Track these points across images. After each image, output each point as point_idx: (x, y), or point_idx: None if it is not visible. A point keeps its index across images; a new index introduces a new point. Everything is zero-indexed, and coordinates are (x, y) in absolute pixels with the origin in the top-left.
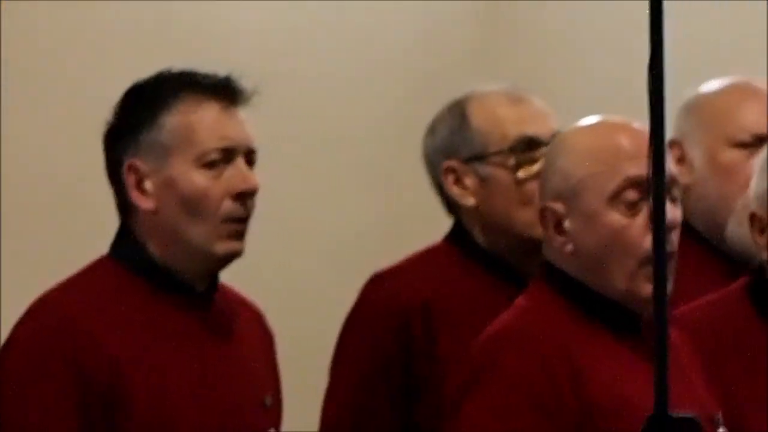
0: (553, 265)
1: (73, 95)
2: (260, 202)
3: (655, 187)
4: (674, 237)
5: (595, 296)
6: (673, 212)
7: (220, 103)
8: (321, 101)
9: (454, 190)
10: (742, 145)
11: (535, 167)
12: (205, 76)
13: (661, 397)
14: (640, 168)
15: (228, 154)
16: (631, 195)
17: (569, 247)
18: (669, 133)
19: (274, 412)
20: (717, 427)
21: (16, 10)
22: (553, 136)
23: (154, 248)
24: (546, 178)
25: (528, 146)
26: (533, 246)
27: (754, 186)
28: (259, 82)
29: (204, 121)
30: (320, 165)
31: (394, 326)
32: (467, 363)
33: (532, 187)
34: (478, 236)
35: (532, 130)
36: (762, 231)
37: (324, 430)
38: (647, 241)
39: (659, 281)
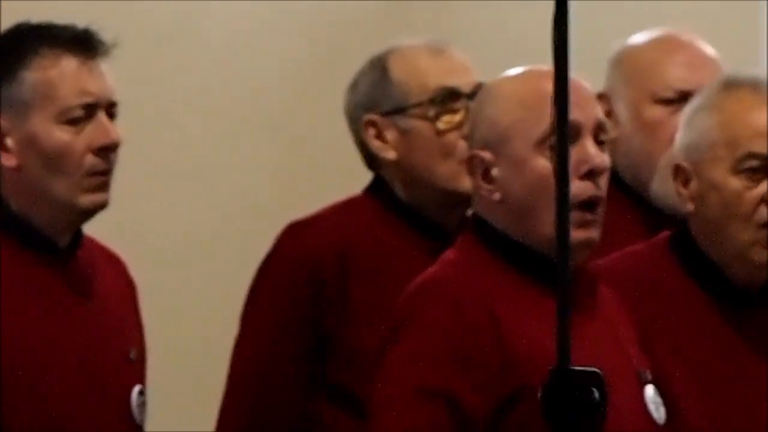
0: (480, 217)
1: None
2: (167, 154)
3: (559, 139)
4: (602, 182)
5: (522, 247)
6: (601, 157)
7: (79, 56)
8: (228, 54)
9: (375, 144)
10: (666, 102)
11: (456, 118)
12: (64, 29)
13: (563, 350)
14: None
15: (89, 110)
16: None
17: (497, 196)
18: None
19: (139, 366)
20: (644, 383)
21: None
22: (475, 87)
23: (17, 205)
24: (474, 126)
25: (448, 97)
26: (454, 199)
27: (680, 138)
28: (167, 35)
29: (63, 76)
30: (226, 118)
31: (306, 276)
32: (392, 315)
33: (453, 138)
34: (399, 190)
35: (452, 81)
36: (686, 183)
37: (232, 381)
38: (574, 186)
39: (562, 230)
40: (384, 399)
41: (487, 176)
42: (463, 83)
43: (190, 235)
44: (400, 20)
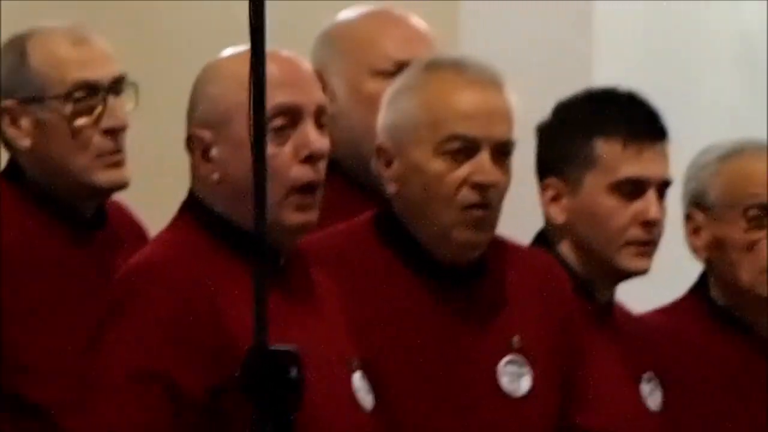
0: (196, 196)
1: None
2: None
3: (254, 117)
4: (321, 166)
5: (238, 229)
6: (321, 141)
7: None
8: None
9: (10, 131)
10: (385, 74)
11: (94, 112)
12: None
13: (260, 329)
14: (288, 95)
15: None
16: (278, 122)
17: (216, 176)
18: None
19: None
20: (353, 370)
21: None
22: (115, 79)
23: None
24: (193, 105)
25: (86, 91)
26: (89, 191)
27: (381, 118)
28: None
29: None
30: None
31: None
32: (109, 296)
33: (89, 132)
34: (36, 177)
35: (91, 74)
36: (388, 164)
37: None
38: (295, 170)
39: (259, 215)
40: (100, 384)
41: (206, 156)
42: (103, 76)
43: None
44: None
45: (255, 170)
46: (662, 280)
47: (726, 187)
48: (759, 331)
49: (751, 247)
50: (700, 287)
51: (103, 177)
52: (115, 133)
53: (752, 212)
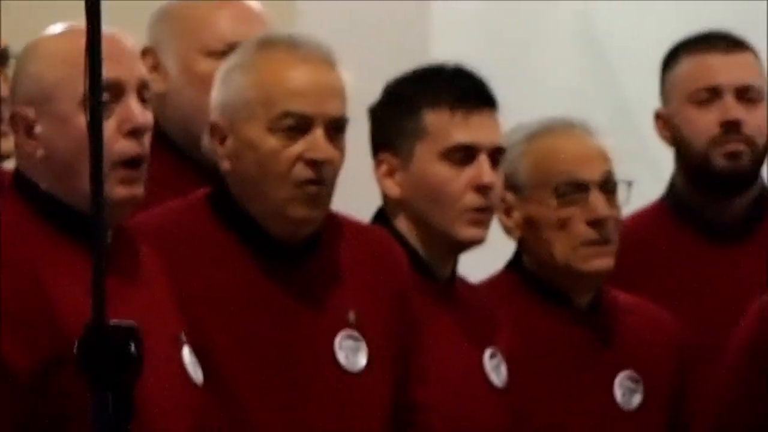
0: (22, 174)
1: None
2: None
3: (91, 92)
4: (145, 140)
5: (65, 206)
6: (145, 115)
7: None
8: None
9: None
10: (218, 54)
11: None
12: None
13: (97, 305)
14: (110, 70)
15: None
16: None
17: (40, 153)
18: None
19: None
20: (181, 345)
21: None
22: None
23: None
24: (17, 84)
25: None
26: None
27: (214, 96)
28: None
29: None
30: None
31: None
32: None
33: None
34: None
35: None
36: (222, 141)
37: None
38: (120, 144)
39: (96, 191)
40: None
41: (29, 133)
42: None
43: None
44: None
45: (92, 150)
46: (498, 253)
47: (534, 166)
48: (576, 301)
49: (562, 224)
50: (515, 263)
51: None
52: None
53: (561, 189)
